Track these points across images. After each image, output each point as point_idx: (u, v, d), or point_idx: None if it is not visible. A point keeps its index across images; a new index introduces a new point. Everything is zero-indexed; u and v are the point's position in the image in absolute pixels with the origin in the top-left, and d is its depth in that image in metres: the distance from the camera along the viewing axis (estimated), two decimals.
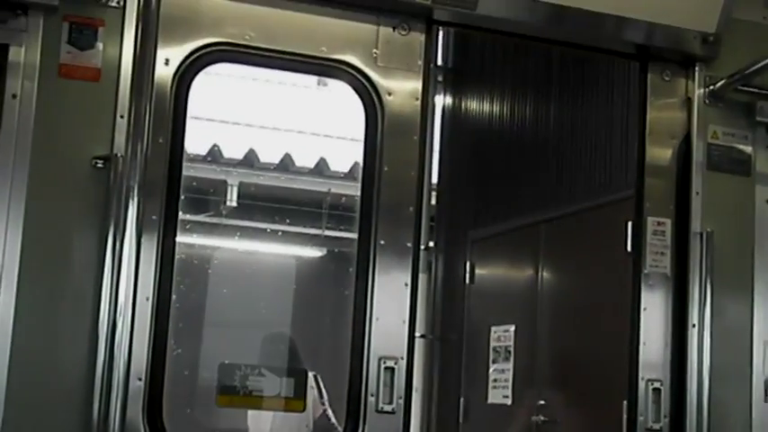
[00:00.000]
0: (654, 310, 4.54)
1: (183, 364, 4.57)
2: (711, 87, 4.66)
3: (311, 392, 6.02)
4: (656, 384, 4.48)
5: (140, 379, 3.79)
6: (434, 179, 7.15)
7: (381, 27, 4.23)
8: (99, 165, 3.81)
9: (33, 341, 3.73)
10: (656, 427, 4.45)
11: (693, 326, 4.50)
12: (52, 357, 3.77)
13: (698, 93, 4.67)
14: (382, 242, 4.11)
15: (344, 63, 4.20)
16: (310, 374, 5.69)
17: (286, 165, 8.43)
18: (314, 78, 7.62)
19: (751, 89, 4.67)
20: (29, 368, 3.71)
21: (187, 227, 4.25)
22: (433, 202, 7.15)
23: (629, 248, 4.87)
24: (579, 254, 5.86)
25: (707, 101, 4.68)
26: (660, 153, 4.64)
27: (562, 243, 6.01)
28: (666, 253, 4.55)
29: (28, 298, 3.73)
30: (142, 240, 3.77)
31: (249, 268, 6.53)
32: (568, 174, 6.01)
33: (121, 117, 3.84)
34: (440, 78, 7.12)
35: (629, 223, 4.84)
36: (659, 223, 4.57)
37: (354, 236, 4.21)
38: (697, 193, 4.58)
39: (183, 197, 3.97)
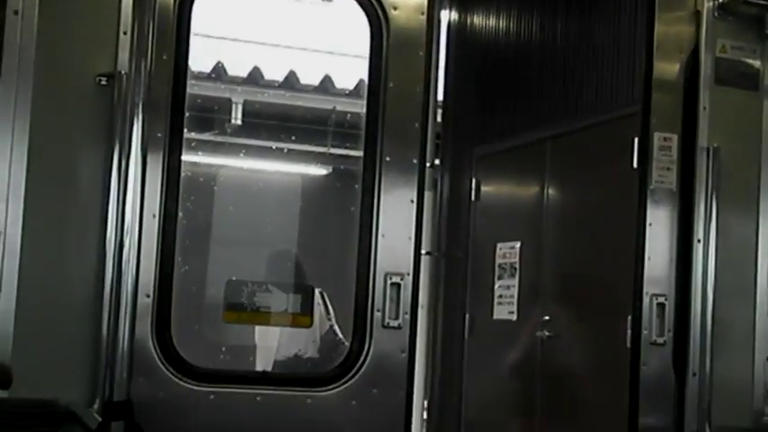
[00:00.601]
0: (659, 226, 4.55)
1: (191, 280, 4.59)
2: (720, 0, 4.60)
3: (318, 309, 6.06)
4: (661, 299, 4.51)
5: (148, 296, 3.82)
6: (440, 96, 7.09)
7: None
8: (102, 82, 3.79)
9: (41, 259, 3.76)
10: (660, 341, 4.49)
11: (699, 241, 4.51)
12: (61, 275, 3.81)
13: (707, 6, 4.61)
14: (388, 159, 4.11)
15: None
16: (317, 291, 5.72)
17: (291, 82, 8.36)
18: None
19: (761, 2, 4.62)
20: (38, 286, 3.75)
21: (192, 144, 4.23)
22: (439, 119, 7.10)
23: (635, 165, 4.86)
24: (585, 170, 5.84)
25: (716, 14, 4.62)
26: (667, 67, 4.61)
27: (568, 159, 5.99)
28: (673, 168, 4.55)
29: (35, 217, 3.74)
30: (147, 158, 3.77)
31: (255, 186, 6.52)
32: (575, 89, 5.97)
33: (124, 33, 3.81)
34: None
35: (636, 139, 4.82)
36: (666, 138, 4.55)
37: (360, 154, 4.21)
38: (704, 107, 4.56)
39: (187, 114, 3.95)
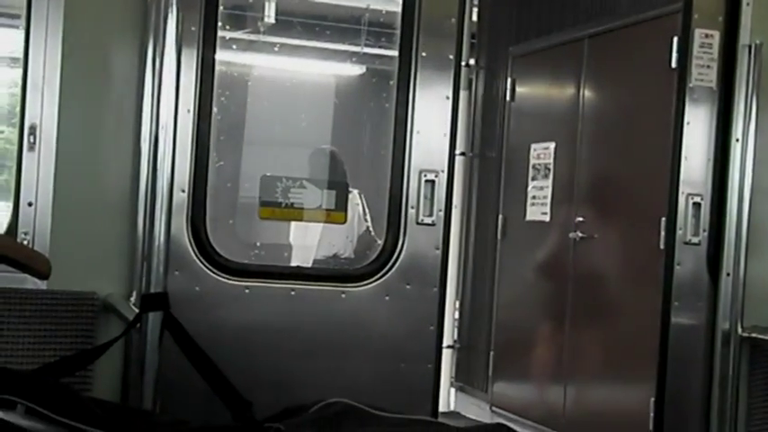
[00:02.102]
0: (697, 125, 4.50)
1: (226, 176, 4.60)
2: None
3: (357, 209, 6.08)
4: (697, 199, 4.48)
5: (183, 190, 3.84)
6: None
7: None
8: None
9: (78, 154, 3.78)
10: (695, 240, 4.48)
11: (737, 141, 4.46)
12: (97, 169, 3.83)
13: None
14: (424, 54, 4.06)
15: None
16: (355, 191, 5.73)
17: None
18: None
19: None
20: (74, 180, 3.77)
21: (226, 40, 4.20)
22: (474, 18, 7.01)
23: (673, 65, 4.79)
24: (622, 70, 5.77)
25: None
26: None
27: (606, 59, 5.91)
28: (713, 66, 4.47)
29: (70, 111, 3.74)
30: (182, 51, 3.74)
31: (289, 83, 6.49)
32: None
33: None
34: None
35: (675, 38, 4.74)
36: (707, 35, 4.47)
37: (393, 53, 4.16)
38: (747, 3, 4.46)
39: (221, 8, 3.91)
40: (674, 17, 4.79)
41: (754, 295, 4.50)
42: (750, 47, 4.44)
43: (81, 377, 3.56)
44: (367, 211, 6.23)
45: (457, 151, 4.31)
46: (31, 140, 3.69)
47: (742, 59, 4.44)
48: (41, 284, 3.59)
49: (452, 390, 7.18)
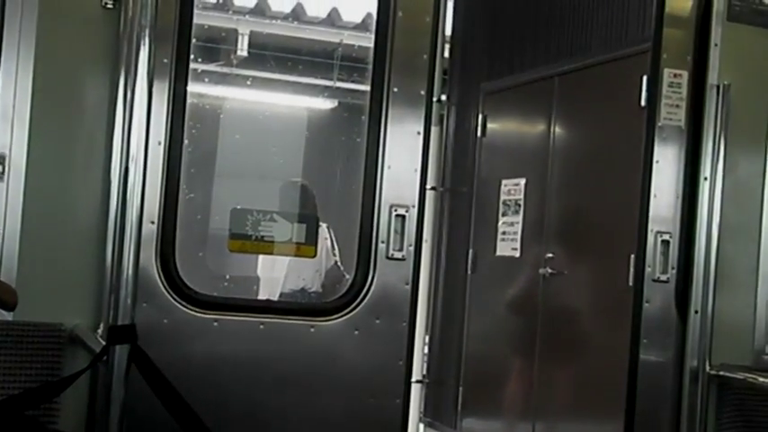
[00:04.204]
0: (666, 163, 4.55)
1: (196, 208, 4.59)
2: None
3: (325, 243, 6.08)
4: (666, 236, 4.51)
5: (153, 222, 3.82)
6: (448, 31, 7.03)
7: None
8: (109, 5, 3.76)
9: (47, 184, 3.76)
10: (664, 278, 4.51)
11: (705, 179, 4.51)
12: (66, 200, 3.81)
13: None
14: (395, 90, 4.08)
15: None
16: (324, 225, 5.73)
17: (297, 14, 8.30)
18: None
19: None
20: (43, 211, 3.76)
21: (198, 73, 4.20)
22: (446, 54, 7.05)
23: (642, 103, 4.83)
24: (593, 108, 5.81)
25: None
26: (679, 3, 4.57)
27: (576, 97, 5.95)
28: (682, 105, 4.53)
29: (40, 142, 3.73)
30: (154, 84, 3.74)
31: (261, 116, 6.50)
32: (584, 26, 5.91)
33: None
34: None
35: (644, 77, 4.79)
36: (676, 75, 4.52)
37: (366, 88, 4.18)
38: (716, 44, 4.52)
39: (194, 40, 3.92)
40: (643, 56, 4.84)
41: (723, 333, 4.53)
42: (718, 87, 4.50)
43: (46, 410, 3.53)
44: (335, 245, 6.23)
45: (428, 186, 4.32)
46: (0, 170, 3.67)
47: (710, 99, 4.50)
48: (8, 315, 3.56)
49: (421, 425, 7.14)
